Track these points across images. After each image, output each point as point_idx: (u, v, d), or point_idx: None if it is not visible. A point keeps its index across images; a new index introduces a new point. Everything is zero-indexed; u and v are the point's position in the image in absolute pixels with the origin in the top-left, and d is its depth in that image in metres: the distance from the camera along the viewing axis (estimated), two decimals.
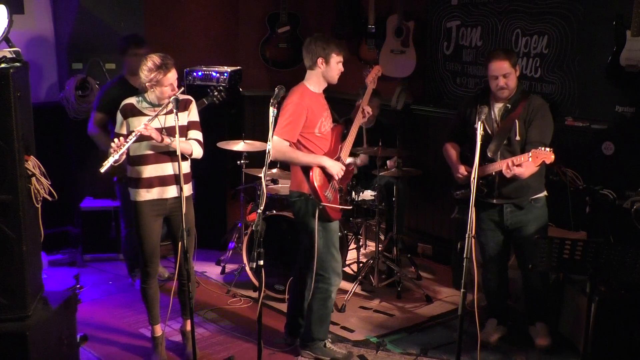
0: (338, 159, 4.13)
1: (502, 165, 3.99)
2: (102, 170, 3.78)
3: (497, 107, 4.22)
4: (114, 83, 5.10)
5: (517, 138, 4.12)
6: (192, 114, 4.10)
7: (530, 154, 3.86)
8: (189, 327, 4.31)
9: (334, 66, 4.08)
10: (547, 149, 3.83)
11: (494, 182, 4.19)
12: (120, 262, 5.79)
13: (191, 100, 4.11)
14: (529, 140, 4.07)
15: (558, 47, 5.10)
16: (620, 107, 4.72)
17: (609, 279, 3.84)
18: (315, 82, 4.12)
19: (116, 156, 3.77)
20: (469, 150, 4.23)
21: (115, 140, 3.80)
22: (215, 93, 5.21)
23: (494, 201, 4.24)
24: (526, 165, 3.91)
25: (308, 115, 4.02)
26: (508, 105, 4.17)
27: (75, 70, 5.87)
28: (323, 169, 4.05)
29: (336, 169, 4.09)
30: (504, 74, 4.12)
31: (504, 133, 4.16)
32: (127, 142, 3.79)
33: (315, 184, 3.99)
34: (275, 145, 3.93)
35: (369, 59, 6.32)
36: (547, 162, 3.86)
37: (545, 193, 4.28)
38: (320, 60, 4.04)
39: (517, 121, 4.12)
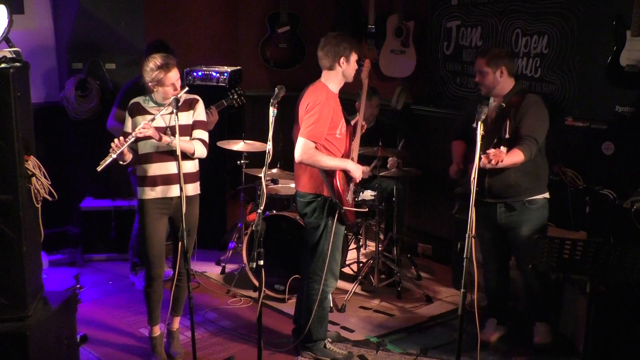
0: (352, 160, 4.12)
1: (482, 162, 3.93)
2: (99, 169, 3.79)
3: (492, 106, 4.23)
4: (136, 82, 5.06)
5: (507, 136, 4.12)
6: (198, 113, 4.10)
7: (493, 152, 3.70)
8: (176, 326, 4.33)
9: (353, 64, 4.07)
10: (503, 148, 3.76)
11: (484, 180, 4.19)
12: (120, 262, 5.79)
13: (198, 100, 4.10)
14: (519, 134, 4.06)
15: (558, 47, 5.10)
16: (620, 107, 4.71)
17: (609, 279, 3.84)
18: (335, 82, 4.08)
19: (114, 155, 3.78)
20: (470, 149, 4.24)
21: (115, 140, 3.81)
22: (235, 96, 5.25)
23: (487, 200, 4.24)
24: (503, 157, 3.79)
25: (333, 117, 3.98)
26: (503, 104, 4.18)
27: (75, 70, 5.88)
28: (345, 172, 4.05)
29: (358, 173, 4.08)
30: (479, 70, 4.21)
31: (495, 131, 4.16)
32: (126, 142, 3.80)
33: (340, 188, 3.98)
34: (302, 147, 3.91)
35: (369, 59, 6.32)
36: (495, 160, 3.66)
37: (544, 195, 4.25)
38: (342, 59, 4.02)
39: (508, 120, 4.13)
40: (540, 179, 4.25)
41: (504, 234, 4.35)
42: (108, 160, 3.78)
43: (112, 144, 3.79)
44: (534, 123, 4.08)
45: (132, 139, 3.83)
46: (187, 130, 4.00)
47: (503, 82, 4.20)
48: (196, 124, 4.08)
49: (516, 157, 3.98)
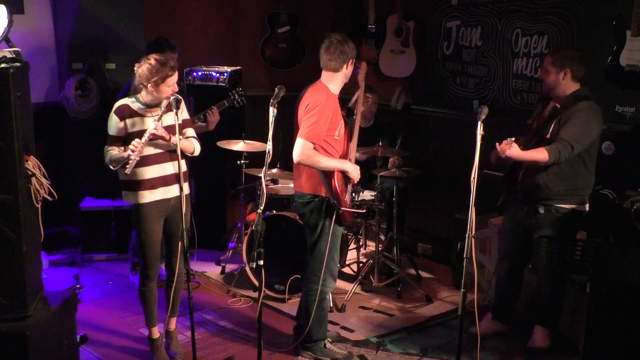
0: (350, 161, 4.12)
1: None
2: (128, 171, 3.82)
3: (549, 106, 4.23)
4: None
5: (548, 136, 4.12)
6: (184, 112, 4.10)
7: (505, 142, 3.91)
8: (173, 326, 4.34)
9: (353, 66, 4.10)
10: (510, 139, 3.87)
11: (517, 176, 4.23)
12: (121, 262, 5.79)
13: (181, 99, 4.08)
14: (558, 137, 4.05)
15: (558, 47, 5.09)
16: (620, 107, 4.72)
17: (609, 279, 3.84)
18: (337, 83, 4.07)
19: (136, 157, 3.79)
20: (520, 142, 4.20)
21: (133, 142, 3.80)
22: (237, 96, 5.26)
23: (518, 197, 4.27)
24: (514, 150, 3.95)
25: (332, 118, 3.98)
26: (557, 105, 4.16)
27: (75, 70, 5.88)
28: (343, 173, 4.05)
29: (356, 174, 4.09)
30: (544, 67, 4.22)
31: (540, 131, 4.18)
32: (143, 142, 3.81)
33: (338, 189, 3.98)
34: (301, 147, 3.90)
35: (369, 59, 6.33)
36: (506, 150, 3.87)
37: (572, 206, 4.16)
38: (350, 61, 4.03)
39: (555, 121, 4.11)
40: (577, 190, 4.17)
41: (528, 237, 4.32)
42: (133, 163, 3.80)
43: (131, 146, 3.79)
44: (575, 128, 4.02)
45: (149, 138, 3.83)
46: (179, 130, 3.99)
47: (565, 85, 4.15)
48: (185, 123, 4.09)
49: (539, 154, 3.99)
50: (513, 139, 3.88)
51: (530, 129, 4.31)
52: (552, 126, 4.11)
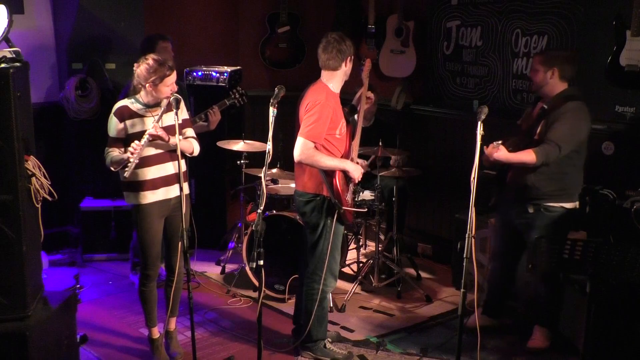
0: (352, 160, 4.12)
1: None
2: (127, 174, 3.81)
3: (537, 106, 4.24)
4: None
5: (536, 137, 4.12)
6: (184, 111, 4.10)
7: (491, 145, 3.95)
8: (173, 326, 4.33)
9: (350, 63, 4.10)
10: (496, 143, 3.91)
11: (506, 175, 4.24)
12: (121, 262, 5.79)
13: (180, 99, 4.08)
14: (546, 138, 4.06)
15: (558, 47, 5.09)
16: (620, 107, 4.72)
17: (609, 279, 3.84)
18: (337, 82, 4.08)
19: (136, 160, 3.79)
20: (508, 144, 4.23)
21: (133, 144, 3.80)
22: (237, 96, 5.29)
23: (507, 197, 4.28)
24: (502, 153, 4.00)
25: (332, 117, 3.98)
26: (545, 106, 4.16)
27: (75, 70, 5.88)
28: (345, 172, 4.04)
29: (357, 173, 4.08)
30: (533, 67, 4.25)
31: (529, 131, 4.19)
32: (142, 144, 3.80)
33: (339, 188, 3.98)
34: (301, 147, 3.91)
35: (369, 58, 6.32)
36: (493, 153, 3.92)
37: (562, 204, 4.17)
38: (348, 59, 4.03)
39: (543, 122, 4.12)
40: (566, 189, 4.19)
41: (519, 237, 4.33)
42: (132, 166, 3.79)
43: (131, 149, 3.79)
44: (563, 129, 4.03)
45: (148, 139, 3.82)
46: (178, 130, 3.98)
47: (552, 84, 4.16)
48: (185, 123, 4.08)
49: (526, 156, 4.01)
50: (500, 142, 3.89)
51: (520, 130, 4.32)
52: (540, 127, 4.12)
